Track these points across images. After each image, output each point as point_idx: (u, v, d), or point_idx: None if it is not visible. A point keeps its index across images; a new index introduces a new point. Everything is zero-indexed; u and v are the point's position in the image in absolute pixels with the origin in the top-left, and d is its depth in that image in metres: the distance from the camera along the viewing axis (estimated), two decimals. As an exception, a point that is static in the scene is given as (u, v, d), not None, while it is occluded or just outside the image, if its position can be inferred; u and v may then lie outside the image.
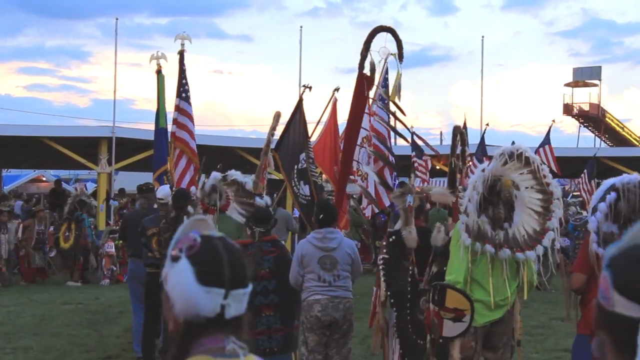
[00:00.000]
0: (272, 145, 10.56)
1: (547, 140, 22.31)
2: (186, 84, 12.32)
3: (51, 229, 19.90)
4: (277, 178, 16.15)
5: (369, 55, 8.66)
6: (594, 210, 5.99)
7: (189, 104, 12.32)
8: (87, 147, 27.54)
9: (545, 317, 13.57)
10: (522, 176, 6.44)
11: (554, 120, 24.39)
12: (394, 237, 7.53)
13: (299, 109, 12.19)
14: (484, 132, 23.34)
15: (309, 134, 11.34)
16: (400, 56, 8.69)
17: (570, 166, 27.92)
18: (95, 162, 27.12)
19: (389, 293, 7.39)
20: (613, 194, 5.91)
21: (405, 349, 7.33)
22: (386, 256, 7.40)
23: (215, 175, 9.39)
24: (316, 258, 7.65)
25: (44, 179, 39.73)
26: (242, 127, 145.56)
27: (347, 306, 7.67)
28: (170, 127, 12.44)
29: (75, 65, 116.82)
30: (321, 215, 7.84)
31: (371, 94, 10.19)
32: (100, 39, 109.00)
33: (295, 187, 10.77)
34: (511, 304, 6.57)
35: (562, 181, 38.34)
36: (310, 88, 11.91)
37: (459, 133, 8.44)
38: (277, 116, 10.73)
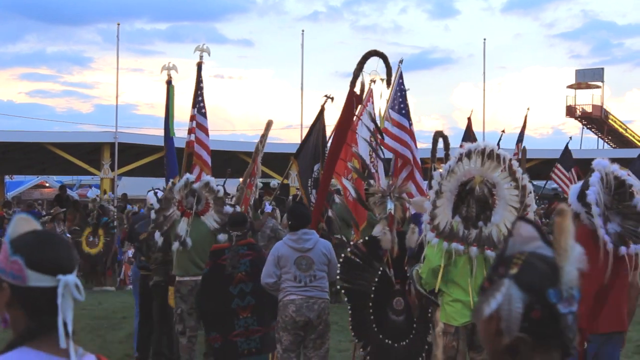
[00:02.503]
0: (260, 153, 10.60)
1: (569, 160, 21.50)
2: (202, 98, 12.40)
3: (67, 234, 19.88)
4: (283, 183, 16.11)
5: (360, 76, 8.71)
6: (585, 188, 5.96)
7: (205, 117, 12.42)
8: (90, 152, 27.63)
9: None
10: (502, 174, 6.45)
11: (570, 138, 23.69)
12: (367, 237, 7.61)
13: (319, 119, 12.27)
14: (500, 139, 23.23)
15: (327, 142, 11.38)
16: (389, 81, 8.75)
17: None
18: (98, 167, 27.20)
19: (343, 291, 7.43)
20: (596, 173, 5.95)
21: (368, 350, 7.33)
22: (351, 255, 7.41)
23: (188, 177, 9.45)
24: (292, 259, 7.73)
25: (47, 185, 39.77)
26: (245, 131, 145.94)
27: (322, 306, 7.73)
28: (185, 135, 12.54)
29: (76, 71, 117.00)
30: (290, 222, 8.02)
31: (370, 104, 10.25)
32: (101, 45, 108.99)
33: (310, 195, 10.89)
34: None
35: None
36: (332, 99, 11.98)
37: (441, 138, 8.48)
38: (269, 124, 10.74)
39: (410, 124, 13.83)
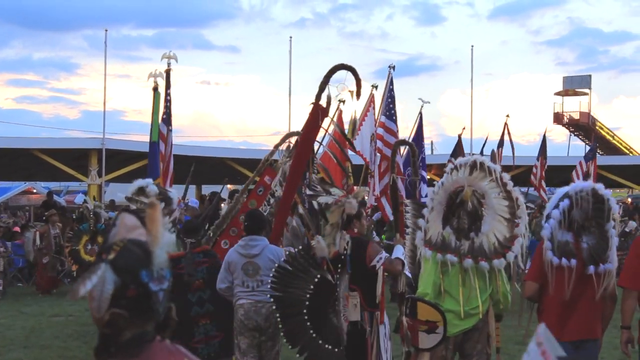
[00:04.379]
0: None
1: (542, 152, 22.00)
2: (169, 105, 12.45)
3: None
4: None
5: (326, 89, 8.76)
6: (548, 217, 6.07)
7: (165, 124, 12.51)
8: (77, 158, 27.53)
9: (536, 325, 13.55)
10: (490, 184, 6.48)
11: (546, 129, 24.19)
12: (301, 246, 7.85)
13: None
14: (484, 145, 23.29)
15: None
16: (358, 94, 8.80)
17: (561, 175, 27.94)
18: (85, 173, 27.11)
19: (272, 299, 7.46)
20: (566, 201, 6.02)
21: (307, 357, 7.34)
22: (284, 264, 7.44)
23: (141, 183, 9.56)
24: (240, 264, 7.88)
25: (34, 191, 39.55)
26: (232, 137, 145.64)
27: (271, 310, 7.76)
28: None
29: (63, 77, 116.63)
30: (245, 223, 8.20)
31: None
32: (87, 51, 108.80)
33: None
34: (484, 313, 6.58)
35: (554, 190, 38.39)
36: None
37: (407, 145, 8.53)
38: (287, 136, 10.62)
39: (397, 129, 13.94)
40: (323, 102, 8.42)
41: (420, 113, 15.87)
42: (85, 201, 19.49)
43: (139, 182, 9.66)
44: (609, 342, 10.93)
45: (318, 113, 8.50)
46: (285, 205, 9.09)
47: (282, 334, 7.47)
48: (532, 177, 21.53)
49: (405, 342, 6.95)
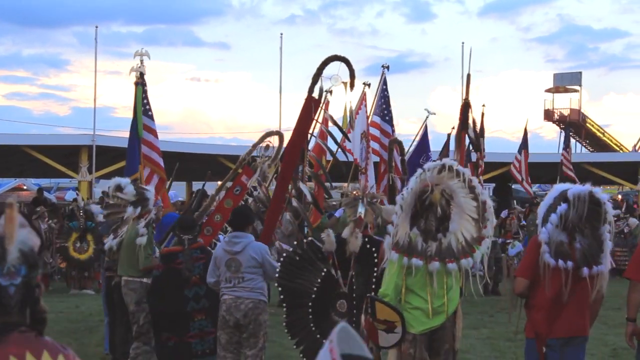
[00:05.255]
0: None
1: (524, 145, 22.11)
2: (147, 101, 12.41)
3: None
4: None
5: (319, 81, 8.77)
6: (545, 221, 6.08)
7: (152, 119, 12.46)
8: (67, 155, 27.46)
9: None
10: (458, 184, 6.51)
11: (527, 120, 24.33)
12: (310, 238, 7.89)
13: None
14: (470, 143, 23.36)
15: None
16: (352, 85, 8.79)
17: (551, 172, 28.02)
18: (75, 170, 27.07)
19: (280, 288, 7.51)
20: (564, 206, 6.02)
21: (303, 349, 7.37)
22: (293, 255, 7.47)
23: (120, 181, 9.98)
24: (224, 260, 7.97)
25: (24, 187, 39.45)
26: (223, 134, 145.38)
27: (250, 307, 7.86)
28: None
29: (53, 73, 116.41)
30: (231, 219, 8.36)
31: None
32: (77, 47, 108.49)
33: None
34: (451, 311, 6.61)
35: (544, 187, 38.48)
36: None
37: (396, 144, 8.53)
38: (266, 135, 10.60)
39: (393, 131, 13.93)
40: (316, 94, 8.45)
41: (425, 124, 15.84)
42: (75, 199, 19.42)
43: (117, 180, 9.93)
44: (599, 339, 11.00)
45: (311, 105, 8.51)
46: (279, 200, 9.11)
47: (284, 323, 7.50)
48: (515, 171, 21.54)
49: (363, 338, 7.03)
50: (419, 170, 6.58)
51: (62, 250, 18.39)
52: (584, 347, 6.34)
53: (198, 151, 28.53)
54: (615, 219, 6.48)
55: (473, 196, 6.53)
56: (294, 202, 9.28)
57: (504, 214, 19.17)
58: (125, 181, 10.01)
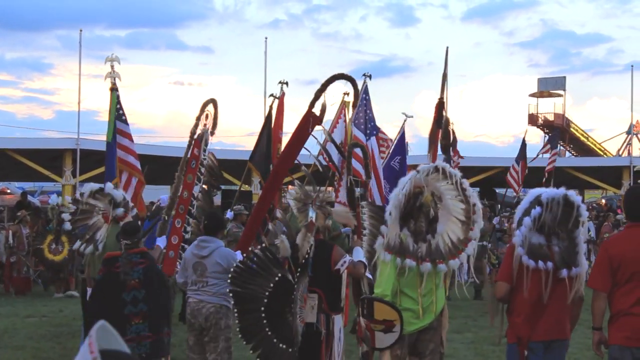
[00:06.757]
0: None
1: (522, 156, 21.88)
2: (120, 106, 12.44)
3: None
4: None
5: (322, 97, 8.75)
6: (519, 224, 6.14)
7: (126, 123, 12.47)
8: (51, 159, 27.38)
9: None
10: (446, 186, 6.55)
11: (526, 130, 24.30)
12: (264, 244, 8.08)
13: (269, 122, 12.34)
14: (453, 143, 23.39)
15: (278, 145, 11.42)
16: (355, 104, 8.80)
17: (535, 177, 28.11)
18: (59, 174, 26.98)
19: (231, 294, 7.51)
20: (538, 209, 6.09)
21: (260, 354, 7.35)
22: (246, 261, 7.45)
23: (92, 186, 10.19)
24: (192, 263, 8.28)
25: (8, 191, 39.25)
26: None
27: (212, 311, 8.17)
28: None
29: (37, 77, 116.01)
30: (204, 222, 8.59)
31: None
32: (61, 51, 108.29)
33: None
34: (439, 310, 6.64)
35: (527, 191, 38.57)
36: (278, 98, 12.02)
37: (360, 147, 8.54)
38: (205, 105, 10.51)
39: (376, 133, 13.80)
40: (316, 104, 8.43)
41: (403, 127, 15.86)
42: (57, 204, 19.37)
43: (95, 185, 10.05)
44: (582, 342, 11.04)
45: (309, 120, 8.48)
46: (261, 209, 9.08)
47: (237, 329, 7.44)
48: (512, 180, 21.49)
49: (365, 342, 7.05)
50: (412, 172, 6.62)
51: (38, 252, 18.38)
52: (564, 350, 6.39)
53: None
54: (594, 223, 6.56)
55: (462, 198, 6.57)
56: (278, 213, 9.29)
57: (495, 220, 19.32)
58: (109, 186, 10.12)
